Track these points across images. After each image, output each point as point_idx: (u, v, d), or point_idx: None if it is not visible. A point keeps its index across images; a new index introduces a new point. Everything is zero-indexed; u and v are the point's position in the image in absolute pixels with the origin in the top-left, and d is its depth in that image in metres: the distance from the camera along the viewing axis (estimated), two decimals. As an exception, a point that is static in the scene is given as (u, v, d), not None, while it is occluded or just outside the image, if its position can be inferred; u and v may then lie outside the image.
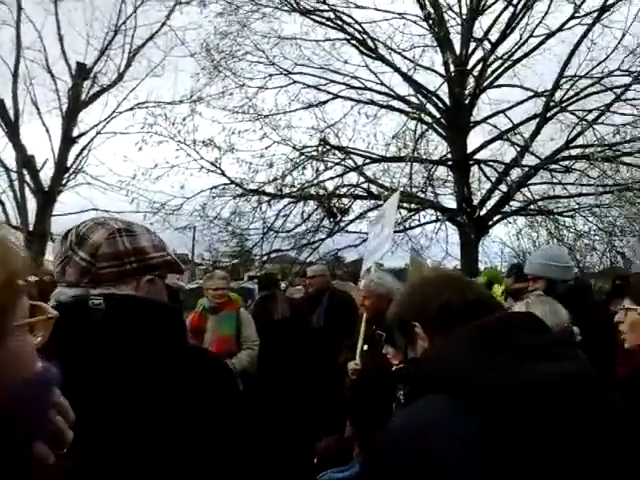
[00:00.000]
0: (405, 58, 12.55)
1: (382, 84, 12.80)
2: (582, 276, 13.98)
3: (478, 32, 12.68)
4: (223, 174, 12.90)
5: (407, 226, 13.31)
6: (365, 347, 4.19)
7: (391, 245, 5.15)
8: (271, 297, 5.93)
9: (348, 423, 4.32)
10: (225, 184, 13.03)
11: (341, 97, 13.07)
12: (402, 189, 12.57)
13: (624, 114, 13.03)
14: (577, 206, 13.81)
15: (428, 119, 12.86)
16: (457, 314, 1.40)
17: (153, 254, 1.40)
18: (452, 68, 12.53)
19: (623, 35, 12.23)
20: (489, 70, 12.73)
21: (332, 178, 13.34)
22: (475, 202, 13.22)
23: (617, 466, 1.16)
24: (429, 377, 1.29)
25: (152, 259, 1.40)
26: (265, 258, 13.41)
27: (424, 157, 12.98)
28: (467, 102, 12.80)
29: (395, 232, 12.87)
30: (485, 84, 12.79)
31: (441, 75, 12.74)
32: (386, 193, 12.30)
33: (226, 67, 12.69)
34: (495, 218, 13.72)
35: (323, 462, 4.08)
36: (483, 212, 13.35)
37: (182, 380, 1.29)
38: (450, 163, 13.21)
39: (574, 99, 12.95)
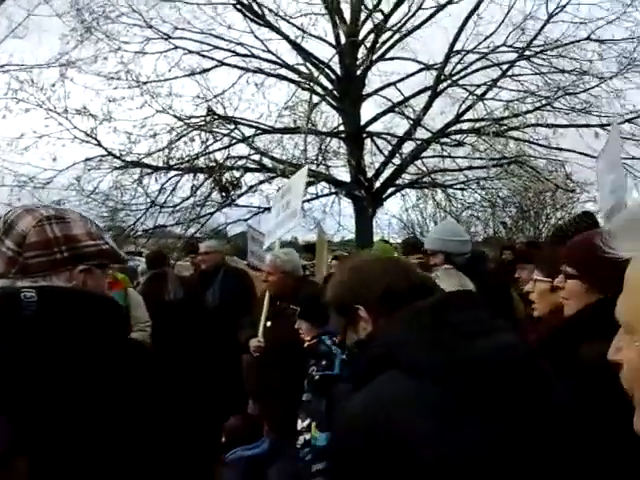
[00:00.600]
0: (294, 26, 12.10)
1: (269, 52, 12.31)
2: (475, 245, 14.59)
3: (369, 2, 12.44)
4: (99, 145, 11.99)
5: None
6: (268, 324, 4.20)
7: (298, 221, 5.07)
8: (161, 275, 5.60)
9: (250, 401, 4.34)
10: (102, 156, 12.14)
11: (226, 64, 12.44)
12: (295, 162, 12.35)
13: (512, 90, 13.44)
14: (466, 179, 14.20)
15: (320, 90, 12.57)
16: (401, 296, 1.44)
17: (87, 242, 1.34)
18: (343, 38, 12.25)
19: (509, 10, 12.51)
20: (380, 41, 12.57)
21: (220, 149, 12.79)
22: (369, 175, 13.24)
23: (552, 421, 1.31)
24: (383, 357, 1.32)
25: (85, 247, 1.33)
26: (147, 234, 12.73)
27: (317, 129, 12.72)
28: (359, 74, 12.64)
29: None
30: (376, 56, 12.66)
31: (332, 45, 12.44)
32: (281, 166, 12.02)
33: (99, 29, 11.64)
34: (389, 191, 13.82)
35: (231, 441, 4.14)
36: (377, 185, 13.40)
37: (123, 379, 1.25)
38: (343, 135, 13.06)
39: (463, 73, 13.16)
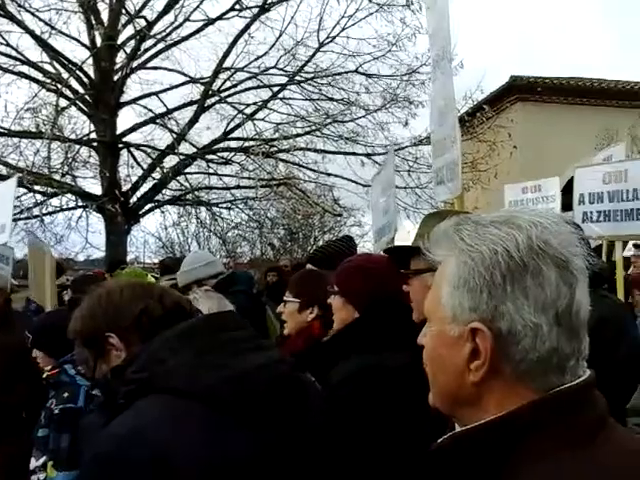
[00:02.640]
0: (40, 20, 11.12)
1: (9, 46, 11.20)
2: (234, 266, 14.80)
3: (131, 6, 11.88)
4: None
5: (41, 212, 12.17)
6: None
7: (8, 237, 5.12)
8: None
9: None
10: None
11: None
12: (36, 170, 11.41)
13: (282, 113, 13.77)
14: (233, 198, 14.31)
15: (69, 93, 11.75)
16: (156, 320, 1.47)
17: None
18: (99, 41, 11.56)
19: (280, 34, 12.76)
20: (142, 48, 12.10)
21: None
22: (125, 188, 12.72)
23: (314, 430, 1.43)
24: (145, 381, 1.32)
25: None
26: None
27: (64, 135, 11.87)
28: (116, 79, 12.03)
29: (20, 219, 11.74)
30: (137, 63, 12.17)
31: (86, 47, 11.68)
32: (19, 174, 10.98)
33: None
34: (147, 207, 13.43)
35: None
36: (134, 200, 12.94)
37: None
38: (95, 144, 12.37)
39: (233, 91, 13.19)
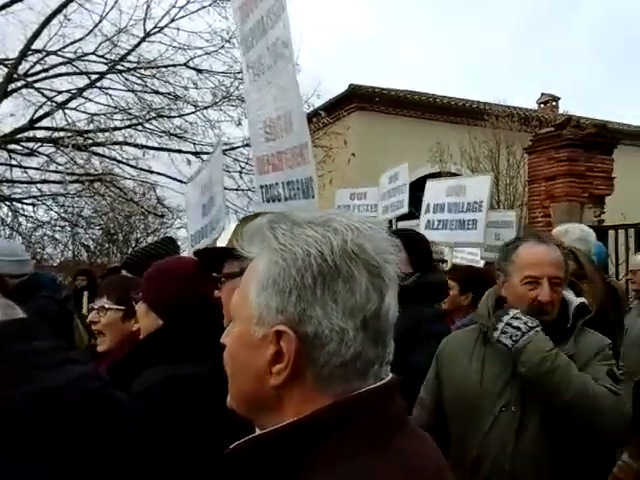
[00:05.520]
0: None
1: None
2: (41, 269, 14.01)
3: None
4: None
5: None
6: None
7: None
8: None
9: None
10: None
11: None
12: None
13: (100, 103, 13.27)
14: (40, 193, 13.56)
15: None
16: None
17: None
18: None
19: (101, 19, 12.31)
20: None
21: None
22: None
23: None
24: None
25: None
26: None
27: None
28: None
29: None
30: None
31: None
32: None
33: None
34: None
35: None
36: None
37: None
38: None
39: (43, 76, 12.50)
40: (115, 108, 13.39)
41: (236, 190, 13.52)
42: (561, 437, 2.14)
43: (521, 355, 2.14)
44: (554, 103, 23.76)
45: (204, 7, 13.05)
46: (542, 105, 23.69)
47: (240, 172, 13.76)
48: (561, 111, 21.73)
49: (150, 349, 2.09)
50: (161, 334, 2.11)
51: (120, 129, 13.32)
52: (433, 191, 6.22)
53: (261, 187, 4.02)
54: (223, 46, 13.37)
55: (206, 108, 13.87)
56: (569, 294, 2.38)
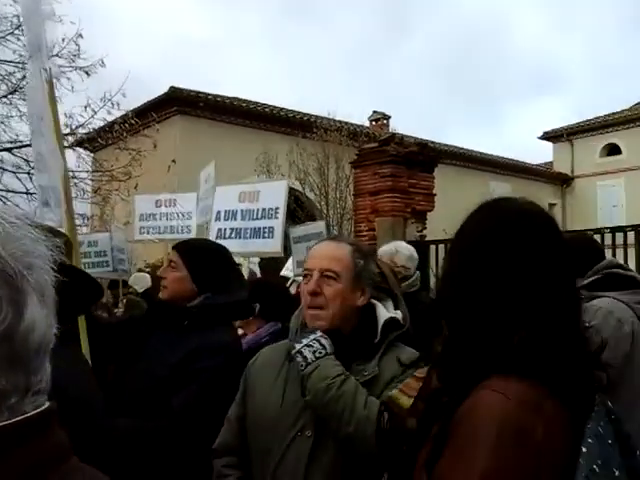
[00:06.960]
0: None
1: None
2: None
3: None
4: None
5: None
6: None
7: None
8: None
9: None
10: None
11: None
12: None
13: None
14: None
15: None
16: None
17: None
18: None
19: None
20: None
21: None
22: None
23: None
24: None
25: None
26: None
27: None
28: None
29: None
30: None
31: None
32: None
33: None
34: None
35: None
36: None
37: None
38: None
39: None
40: None
41: (26, 194, 12.00)
42: (356, 467, 1.98)
43: (308, 381, 2.03)
44: (385, 121, 24.57)
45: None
46: (374, 122, 24.37)
47: (28, 173, 12.11)
48: (391, 129, 22.30)
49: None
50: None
51: None
52: (223, 197, 5.93)
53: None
54: (12, 32, 11.82)
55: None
56: (384, 310, 2.24)
